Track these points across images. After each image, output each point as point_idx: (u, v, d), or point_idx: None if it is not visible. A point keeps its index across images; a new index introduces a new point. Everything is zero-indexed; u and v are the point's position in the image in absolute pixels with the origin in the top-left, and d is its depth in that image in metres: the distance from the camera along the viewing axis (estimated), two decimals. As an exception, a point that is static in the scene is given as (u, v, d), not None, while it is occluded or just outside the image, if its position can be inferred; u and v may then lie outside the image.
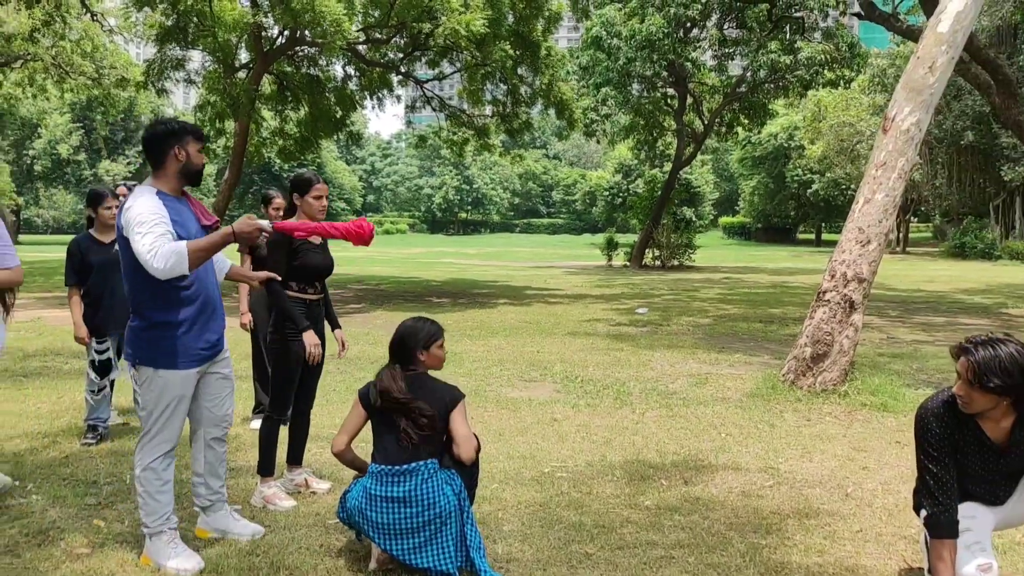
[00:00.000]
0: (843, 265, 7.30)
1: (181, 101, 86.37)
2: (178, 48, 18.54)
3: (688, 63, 25.59)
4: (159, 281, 3.37)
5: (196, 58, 20.70)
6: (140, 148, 64.31)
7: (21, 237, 54.32)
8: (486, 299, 17.19)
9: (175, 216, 3.41)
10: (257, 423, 5.99)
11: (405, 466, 3.37)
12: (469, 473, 3.54)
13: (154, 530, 3.50)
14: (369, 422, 3.59)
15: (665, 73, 25.86)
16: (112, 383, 5.71)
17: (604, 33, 24.69)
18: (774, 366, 8.67)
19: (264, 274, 4.15)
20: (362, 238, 3.66)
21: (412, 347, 3.56)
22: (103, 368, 5.59)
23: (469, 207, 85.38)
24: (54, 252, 36.94)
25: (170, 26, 17.24)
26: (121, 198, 5.82)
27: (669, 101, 29.12)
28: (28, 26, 24.22)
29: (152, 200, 3.38)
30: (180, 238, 3.36)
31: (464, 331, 11.55)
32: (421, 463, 3.38)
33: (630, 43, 23.88)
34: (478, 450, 3.58)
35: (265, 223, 3.44)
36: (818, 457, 5.34)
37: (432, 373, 3.66)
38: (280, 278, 4.20)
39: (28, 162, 60.70)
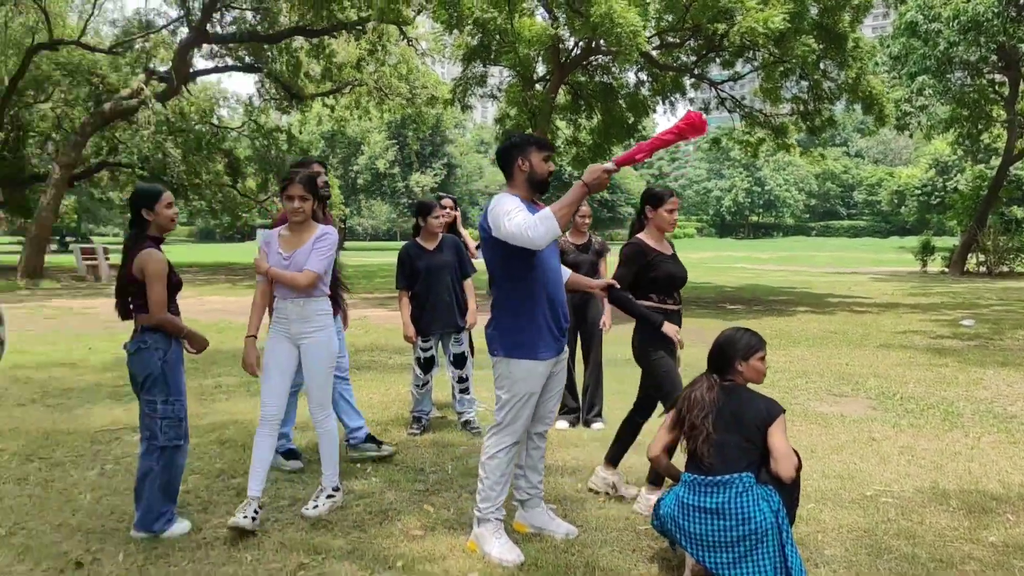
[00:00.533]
0: None
1: (479, 115, 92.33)
2: (481, 65, 19.80)
3: (1022, 44, 22.59)
4: (518, 274, 3.69)
5: (495, 74, 21.99)
6: (445, 161, 69.89)
7: (346, 244, 61.13)
8: (783, 306, 16.41)
9: None
10: (563, 423, 6.18)
11: (718, 477, 3.26)
12: (788, 491, 3.36)
13: (484, 516, 3.73)
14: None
15: (994, 57, 23.04)
16: (433, 378, 6.16)
17: (920, 17, 22.55)
18: None
19: (604, 282, 4.27)
20: (696, 127, 3.50)
21: (731, 356, 3.46)
22: (427, 365, 6.05)
23: (760, 210, 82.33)
24: (374, 257, 41.15)
25: (475, 45, 18.46)
26: (447, 209, 6.31)
27: (997, 88, 25.91)
28: (355, 56, 27.23)
29: (512, 198, 3.68)
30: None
31: (762, 339, 11.07)
32: (735, 476, 3.25)
33: (952, 25, 21.57)
34: (798, 468, 3.38)
35: (608, 164, 3.52)
36: None
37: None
38: (619, 285, 4.28)
39: (353, 176, 68.19)
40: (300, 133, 42.15)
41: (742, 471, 3.27)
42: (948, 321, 13.44)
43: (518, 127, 19.80)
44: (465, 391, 6.14)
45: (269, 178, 32.82)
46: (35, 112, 29.62)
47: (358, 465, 5.05)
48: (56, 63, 26.61)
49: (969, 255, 27.21)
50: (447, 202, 6.54)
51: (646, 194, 4.52)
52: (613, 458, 4.59)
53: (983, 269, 26.85)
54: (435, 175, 68.97)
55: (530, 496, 4.00)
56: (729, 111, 21.23)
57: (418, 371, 6.06)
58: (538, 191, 3.82)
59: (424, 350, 6.05)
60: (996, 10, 20.95)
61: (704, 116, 3.54)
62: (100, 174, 31.28)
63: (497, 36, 17.95)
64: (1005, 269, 26.63)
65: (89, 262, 24.34)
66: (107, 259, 24.32)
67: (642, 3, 15.72)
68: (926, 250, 28.89)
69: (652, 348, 4.32)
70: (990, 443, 5.73)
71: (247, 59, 28.83)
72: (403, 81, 29.68)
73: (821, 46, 17.07)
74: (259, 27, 27.25)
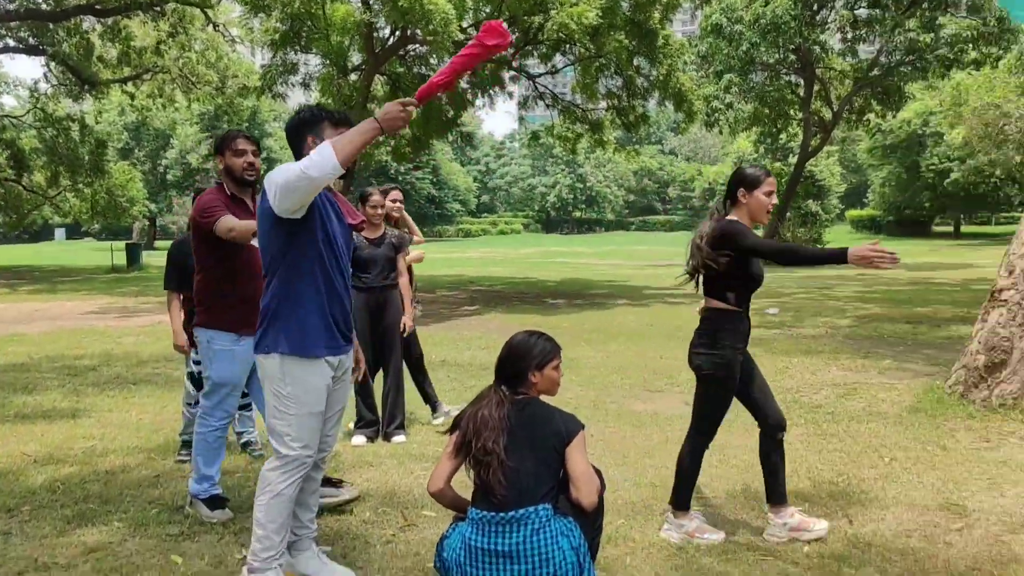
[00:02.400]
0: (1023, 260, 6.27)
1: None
2: (293, 53, 18.73)
3: (816, 46, 24.04)
4: (304, 260, 3.12)
5: (313, 62, 20.90)
6: (264, 155, 66.86)
7: (156, 243, 57.18)
8: (603, 300, 16.50)
9: (319, 206, 3.13)
10: (359, 439, 5.56)
11: (512, 513, 2.76)
12: (590, 521, 2.91)
13: (264, 566, 3.11)
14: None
15: (793, 57, 24.40)
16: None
17: (724, 20, 23.49)
18: (933, 375, 7.66)
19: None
20: (495, 34, 2.90)
21: (524, 366, 2.96)
22: (202, 380, 5.25)
23: (583, 206, 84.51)
24: (185, 257, 38.43)
25: (285, 31, 17.37)
26: (398, 203, 6.05)
27: (795, 89, 27.53)
28: (155, 39, 25.19)
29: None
30: (326, 234, 3.14)
31: (580, 335, 10.91)
32: (531, 509, 2.76)
33: (753, 27, 22.60)
34: (601, 492, 2.95)
35: (408, 99, 2.91)
36: (1011, 491, 4.44)
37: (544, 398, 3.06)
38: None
39: (162, 171, 63.92)
40: (97, 123, 38.80)
41: (538, 502, 2.79)
42: (754, 310, 13.79)
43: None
44: (246, 407, 5.39)
45: (60, 171, 29.91)
46: None
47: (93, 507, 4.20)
48: None
49: (772, 246, 28.82)
50: (396, 194, 5.92)
51: (738, 175, 3.86)
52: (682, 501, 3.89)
53: (784, 259, 28.53)
54: (254, 170, 65.79)
55: (299, 537, 3.36)
56: (548, 106, 21.24)
57: (190, 387, 5.26)
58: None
59: (198, 363, 5.24)
60: (793, 13, 22.14)
61: (504, 25, 2.98)
62: None
63: (308, 22, 16.98)
64: (804, 259, 28.42)
65: None
66: None
67: (458, -9, 15.28)
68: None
69: (724, 357, 3.82)
70: (798, 436, 5.64)
71: (30, 40, 26.06)
72: (211, 69, 27.83)
73: (633, 42, 17.29)
74: (43, 5, 24.66)
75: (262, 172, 4.14)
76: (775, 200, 3.81)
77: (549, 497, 2.82)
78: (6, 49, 26.50)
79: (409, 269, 6.33)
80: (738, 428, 5.89)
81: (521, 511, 2.75)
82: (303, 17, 16.27)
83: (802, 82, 27.10)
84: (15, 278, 25.27)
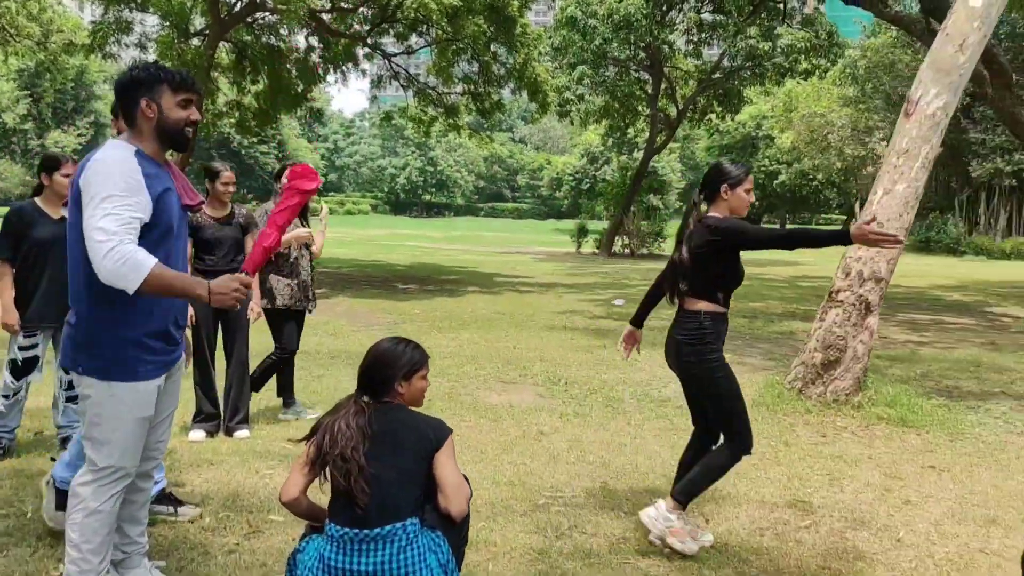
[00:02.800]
0: (859, 263, 6.62)
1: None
2: (128, 10, 17.39)
3: (665, 46, 24.85)
4: None
5: (151, 22, 19.47)
6: (92, 119, 62.20)
7: (-36, 209, 52.03)
8: (454, 286, 16.36)
9: (153, 186, 2.69)
10: (198, 434, 5.14)
11: (376, 530, 2.54)
12: (458, 530, 2.74)
13: None
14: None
15: (643, 55, 25.11)
16: (28, 385, 4.78)
17: (580, 13, 23.83)
18: (771, 369, 8.02)
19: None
20: (303, 176, 2.82)
21: (391, 376, 2.72)
22: (25, 368, 4.66)
23: (433, 189, 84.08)
24: None
25: (119, -15, 16.11)
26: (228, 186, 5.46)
27: (643, 86, 28.40)
28: (-33, -17, 22.77)
29: (128, 161, 2.66)
30: (155, 219, 2.70)
31: (433, 322, 10.72)
32: (398, 525, 2.54)
33: (606, 23, 23.06)
34: (469, 499, 2.78)
35: (243, 278, 2.68)
36: (849, 486, 4.64)
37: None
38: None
39: (-28, 131, 58.27)
40: None
41: (405, 516, 2.57)
42: (603, 301, 14.14)
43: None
44: (74, 399, 4.84)
45: None
46: None
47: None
48: None
49: (616, 238, 29.72)
50: (229, 175, 5.25)
51: (721, 172, 3.68)
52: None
53: (627, 251, 29.48)
54: (80, 135, 61.04)
55: (127, 555, 3.00)
56: (403, 86, 20.82)
57: (8, 377, 4.65)
58: (172, 145, 2.84)
59: (25, 348, 4.64)
60: (644, 12, 22.74)
61: (309, 166, 2.90)
62: None
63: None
64: (646, 251, 29.49)
65: None
66: None
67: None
68: (581, 233, 31.06)
69: (716, 359, 3.73)
70: (652, 431, 5.70)
71: None
72: (33, 21, 25.46)
73: (491, 28, 17.17)
74: None
75: (88, 136, 3.70)
76: (752, 197, 3.76)
77: (416, 509, 2.62)
78: None
79: (309, 249, 5.77)
80: (593, 422, 5.92)
81: (387, 528, 2.52)
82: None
83: (650, 79, 27.98)
84: None
